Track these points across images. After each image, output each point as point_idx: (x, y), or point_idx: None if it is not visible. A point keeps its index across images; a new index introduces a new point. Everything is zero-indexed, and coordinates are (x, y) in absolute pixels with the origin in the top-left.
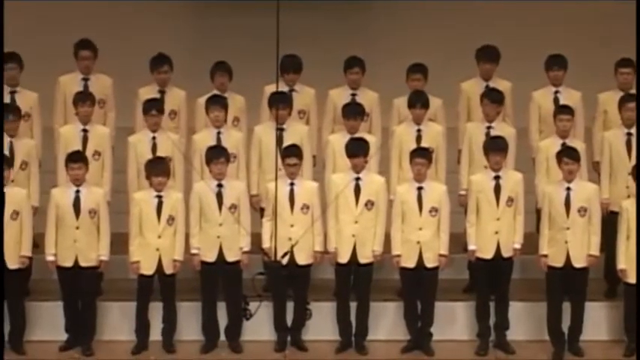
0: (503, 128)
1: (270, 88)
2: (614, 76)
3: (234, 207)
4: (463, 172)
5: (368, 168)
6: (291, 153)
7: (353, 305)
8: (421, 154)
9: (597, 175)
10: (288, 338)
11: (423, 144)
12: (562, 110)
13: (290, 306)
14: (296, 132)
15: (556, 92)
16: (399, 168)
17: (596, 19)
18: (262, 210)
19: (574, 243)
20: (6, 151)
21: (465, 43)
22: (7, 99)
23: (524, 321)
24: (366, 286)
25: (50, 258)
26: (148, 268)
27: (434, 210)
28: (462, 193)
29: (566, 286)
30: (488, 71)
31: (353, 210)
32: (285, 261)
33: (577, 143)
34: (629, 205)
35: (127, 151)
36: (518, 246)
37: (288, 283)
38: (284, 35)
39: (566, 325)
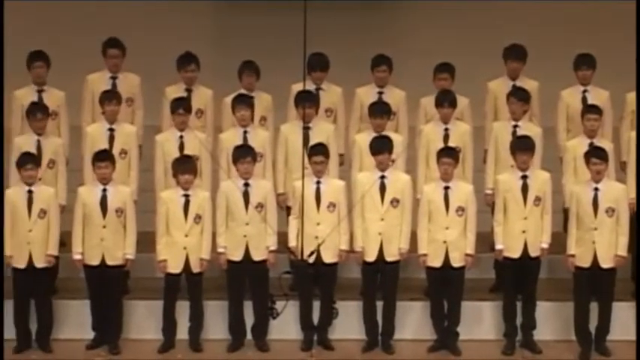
0: (529, 127)
1: (298, 87)
2: None
3: (260, 206)
4: (489, 171)
5: (395, 167)
6: (317, 151)
7: (379, 304)
8: (448, 154)
9: (625, 174)
10: (315, 337)
11: (450, 143)
12: (590, 110)
13: (316, 305)
14: (322, 130)
15: (584, 91)
16: (426, 167)
17: (624, 19)
18: (289, 209)
19: (601, 243)
20: (33, 150)
21: (492, 42)
22: (34, 97)
23: (551, 321)
24: (392, 284)
25: (77, 257)
26: (175, 267)
27: (460, 209)
28: (488, 192)
29: (593, 286)
30: (516, 70)
31: (379, 208)
32: (311, 260)
33: (605, 143)
34: None
35: (154, 149)
36: (545, 245)
37: (314, 281)
38: (311, 34)
39: (593, 325)
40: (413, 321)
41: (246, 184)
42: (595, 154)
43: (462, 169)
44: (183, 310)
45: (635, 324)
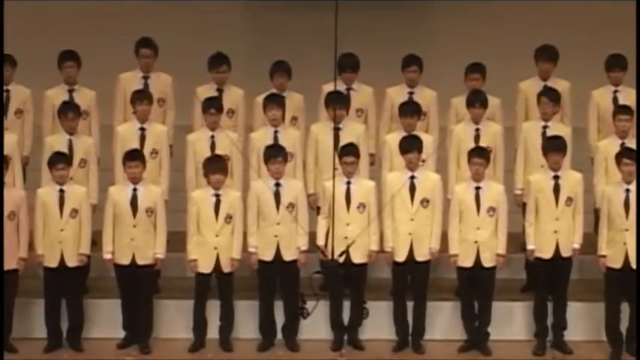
0: (559, 128)
1: (328, 87)
2: None
3: (291, 206)
4: (519, 172)
5: (425, 167)
6: (348, 152)
7: (410, 304)
8: (479, 154)
9: None
10: (345, 337)
11: (481, 143)
12: (621, 110)
13: (347, 305)
14: (353, 131)
15: (615, 92)
16: (457, 167)
17: None
18: (319, 209)
19: (633, 244)
20: (65, 149)
21: (523, 42)
22: (65, 97)
23: (582, 321)
24: (422, 284)
25: (107, 256)
26: (205, 267)
27: (492, 209)
28: (518, 192)
29: (624, 287)
30: (547, 71)
31: (409, 208)
32: (341, 260)
33: (636, 143)
34: None
35: (185, 149)
36: (577, 246)
37: (345, 281)
38: (342, 34)
39: (624, 326)
40: (443, 321)
41: (278, 184)
42: (627, 154)
43: (492, 170)
44: (213, 309)
45: None
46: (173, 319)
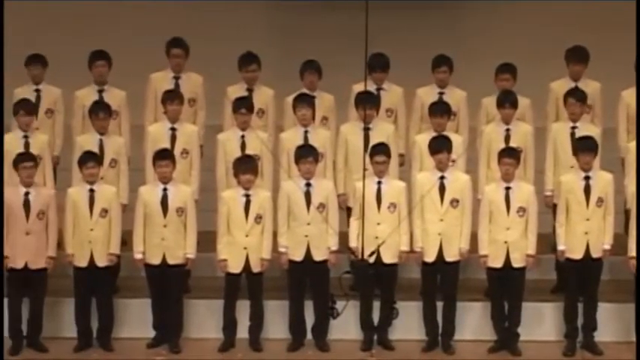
0: (588, 128)
1: (359, 87)
2: None
3: (322, 206)
4: (549, 173)
5: (455, 167)
6: (379, 151)
7: (439, 305)
8: (509, 154)
9: None
10: (375, 337)
11: (512, 144)
12: None
13: (377, 305)
14: (382, 131)
15: None
16: (487, 168)
17: None
18: (349, 209)
19: None
20: (96, 149)
21: (554, 42)
22: (95, 97)
23: (612, 322)
24: (452, 285)
25: (138, 256)
26: (235, 267)
27: (521, 210)
28: (548, 194)
29: None
30: (578, 72)
31: (438, 208)
32: (372, 260)
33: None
34: None
35: (215, 149)
36: (607, 247)
37: (374, 282)
38: (372, 34)
39: None
40: (473, 321)
41: (308, 184)
42: None
43: (523, 170)
44: (243, 309)
45: None
46: (203, 319)
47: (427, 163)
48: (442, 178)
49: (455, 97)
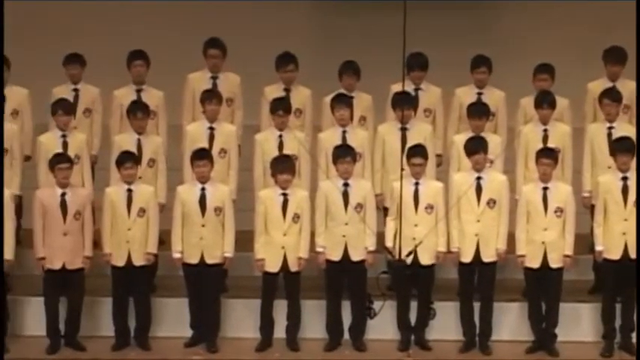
0: (624, 128)
1: (397, 87)
2: None
3: (360, 206)
4: (586, 174)
5: (493, 167)
6: (416, 153)
7: (477, 305)
8: (547, 155)
9: None
10: (412, 337)
11: (550, 144)
12: None
13: (414, 305)
14: (420, 131)
15: None
16: (525, 168)
17: None
18: (385, 209)
19: None
20: (133, 149)
21: (592, 43)
22: (133, 96)
23: None
24: (489, 285)
25: (177, 255)
26: (272, 266)
27: (559, 210)
28: (586, 195)
29: None
30: (616, 73)
31: (475, 209)
32: (409, 260)
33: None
34: None
35: (253, 149)
36: None
37: (412, 282)
38: (411, 34)
39: None
40: (510, 322)
41: (346, 184)
42: None
43: (561, 171)
44: (280, 308)
45: None
46: (240, 319)
47: (465, 164)
48: (479, 178)
49: (493, 97)
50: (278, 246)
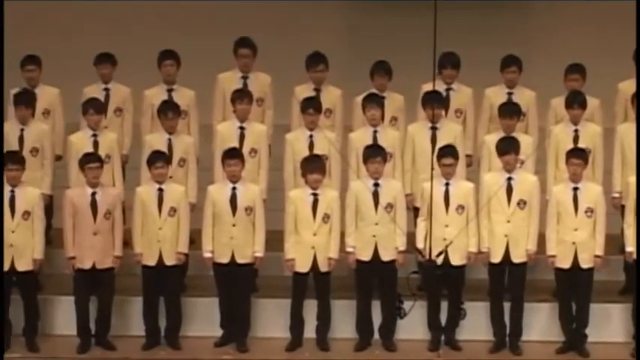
0: None
1: (428, 87)
2: None
3: (390, 206)
4: (616, 174)
5: (524, 167)
6: (447, 153)
7: (507, 305)
8: (577, 155)
9: None
10: (442, 338)
11: (580, 144)
12: None
13: (444, 305)
14: (450, 131)
15: None
16: (556, 168)
17: None
18: (415, 209)
19: None
20: (164, 148)
21: (623, 43)
22: (164, 96)
23: None
24: (519, 285)
25: (207, 254)
26: (303, 266)
27: (589, 211)
28: (616, 195)
29: None
30: None
31: (505, 209)
32: (439, 261)
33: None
34: None
35: (283, 148)
36: None
37: (442, 282)
38: (441, 34)
39: None
40: (541, 322)
41: (376, 184)
42: None
43: (592, 171)
44: (310, 308)
45: None
46: (270, 318)
47: (495, 164)
48: (509, 179)
49: (524, 97)
50: (308, 246)
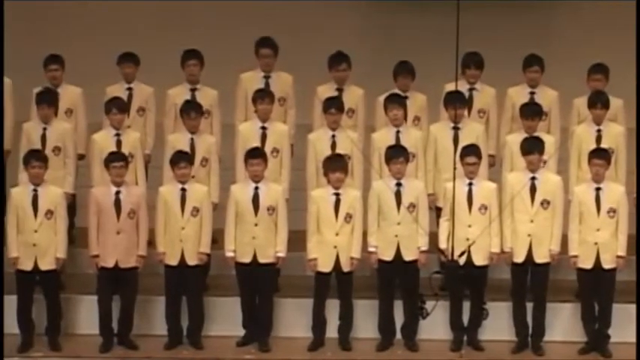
0: None
1: (451, 86)
2: None
3: (412, 206)
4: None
5: (547, 168)
6: (470, 152)
7: (529, 306)
8: (600, 155)
9: None
10: (464, 338)
11: (603, 144)
12: None
13: (466, 305)
14: (472, 131)
15: None
16: (578, 168)
17: None
18: (438, 209)
19: None
20: (187, 148)
21: None
22: (187, 96)
23: None
24: (542, 286)
25: (230, 254)
26: (325, 266)
27: (612, 211)
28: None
29: None
30: None
31: (528, 209)
32: (462, 261)
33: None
34: None
35: (305, 148)
36: None
37: (464, 282)
38: (464, 34)
39: None
40: (563, 323)
41: (399, 184)
42: None
43: (614, 171)
44: (333, 308)
45: None
46: (293, 318)
47: (518, 164)
48: (533, 179)
49: (546, 97)
50: (330, 246)
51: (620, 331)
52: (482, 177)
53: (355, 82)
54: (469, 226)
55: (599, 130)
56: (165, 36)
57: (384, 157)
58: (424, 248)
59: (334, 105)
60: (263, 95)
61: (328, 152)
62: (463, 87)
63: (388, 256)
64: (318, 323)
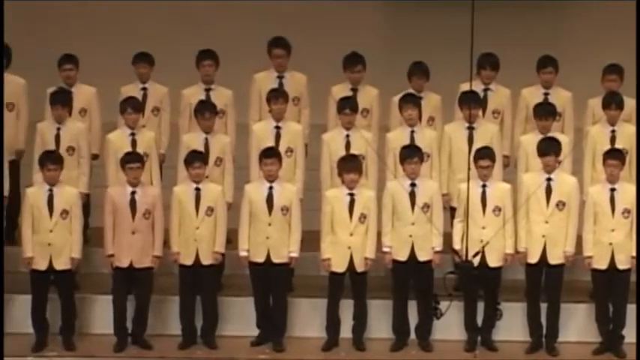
0: None
1: (466, 86)
2: None
3: (426, 206)
4: None
5: (561, 168)
6: (483, 155)
7: (543, 306)
8: (614, 156)
9: None
10: (479, 338)
11: (617, 145)
12: None
13: (480, 306)
14: (486, 131)
15: None
16: (593, 169)
17: None
18: (452, 209)
19: None
20: (201, 148)
21: None
22: (202, 96)
23: None
24: (556, 286)
25: (243, 254)
26: (339, 266)
27: (627, 211)
28: None
29: None
30: None
31: (544, 210)
32: (476, 262)
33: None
34: None
35: (320, 148)
36: None
37: (478, 282)
38: (478, 34)
39: None
40: (577, 323)
41: (413, 184)
42: None
43: (629, 172)
44: (347, 308)
45: None
46: (307, 318)
47: (533, 164)
48: (549, 180)
49: (560, 97)
50: (344, 246)
51: (634, 332)
52: (496, 178)
53: (370, 82)
54: (483, 227)
55: (613, 131)
56: (180, 36)
57: (398, 157)
58: (438, 248)
59: (348, 105)
60: (277, 95)
61: (342, 152)
62: (478, 87)
63: (402, 256)
64: (332, 323)
